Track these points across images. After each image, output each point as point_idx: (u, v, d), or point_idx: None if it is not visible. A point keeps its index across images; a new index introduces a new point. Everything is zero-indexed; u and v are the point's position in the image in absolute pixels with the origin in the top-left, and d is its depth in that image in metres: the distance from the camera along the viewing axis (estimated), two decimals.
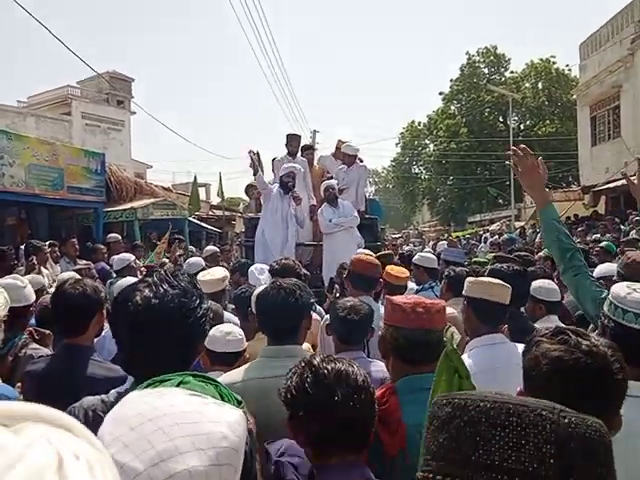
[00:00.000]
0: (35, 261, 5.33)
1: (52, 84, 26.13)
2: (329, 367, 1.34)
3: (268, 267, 4.16)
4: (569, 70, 31.63)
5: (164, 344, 1.30)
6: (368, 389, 1.35)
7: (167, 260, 7.96)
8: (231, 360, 2.39)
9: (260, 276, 4.22)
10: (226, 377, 1.91)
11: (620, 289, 1.61)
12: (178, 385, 0.87)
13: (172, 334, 1.31)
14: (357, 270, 3.38)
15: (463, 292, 2.43)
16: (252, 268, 4.52)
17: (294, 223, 6.31)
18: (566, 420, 0.60)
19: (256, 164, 6.64)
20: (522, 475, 0.57)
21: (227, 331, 2.43)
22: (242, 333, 2.52)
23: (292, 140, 7.46)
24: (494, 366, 2.11)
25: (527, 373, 1.29)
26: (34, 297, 2.97)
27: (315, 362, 1.37)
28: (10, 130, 8.48)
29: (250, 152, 7.49)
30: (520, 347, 2.21)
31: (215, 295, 3.69)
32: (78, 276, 4.33)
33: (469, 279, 2.48)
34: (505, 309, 2.29)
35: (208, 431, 0.74)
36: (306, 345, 2.32)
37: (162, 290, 1.32)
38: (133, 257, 5.90)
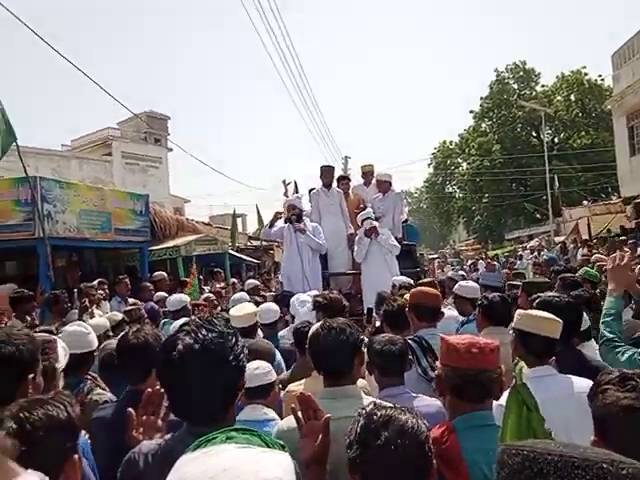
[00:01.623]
0: (87, 303, 5.55)
1: (94, 126, 27.39)
2: (379, 413, 1.39)
3: (309, 298, 4.23)
4: (602, 80, 31.16)
5: (209, 384, 1.41)
6: (416, 434, 1.35)
7: (210, 294, 8.17)
8: (264, 393, 2.56)
9: (300, 308, 4.28)
10: (286, 422, 1.98)
11: None
12: (225, 441, 0.91)
13: (215, 374, 1.42)
14: (420, 302, 3.38)
15: (512, 324, 2.45)
16: (293, 299, 4.60)
17: (308, 252, 6.59)
18: (624, 472, 0.72)
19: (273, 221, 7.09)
20: None
21: (255, 367, 2.56)
22: (270, 366, 2.66)
23: (326, 172, 7.56)
24: (543, 399, 2.12)
25: (599, 422, 1.28)
26: (97, 343, 3.12)
27: (368, 408, 1.43)
28: (62, 179, 8.93)
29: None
30: (573, 380, 2.21)
31: (247, 330, 3.74)
32: (120, 316, 4.53)
33: (519, 312, 2.48)
34: (555, 342, 2.30)
35: (266, 477, 0.82)
36: (362, 382, 2.35)
37: (201, 335, 1.45)
38: (188, 298, 6.12)
